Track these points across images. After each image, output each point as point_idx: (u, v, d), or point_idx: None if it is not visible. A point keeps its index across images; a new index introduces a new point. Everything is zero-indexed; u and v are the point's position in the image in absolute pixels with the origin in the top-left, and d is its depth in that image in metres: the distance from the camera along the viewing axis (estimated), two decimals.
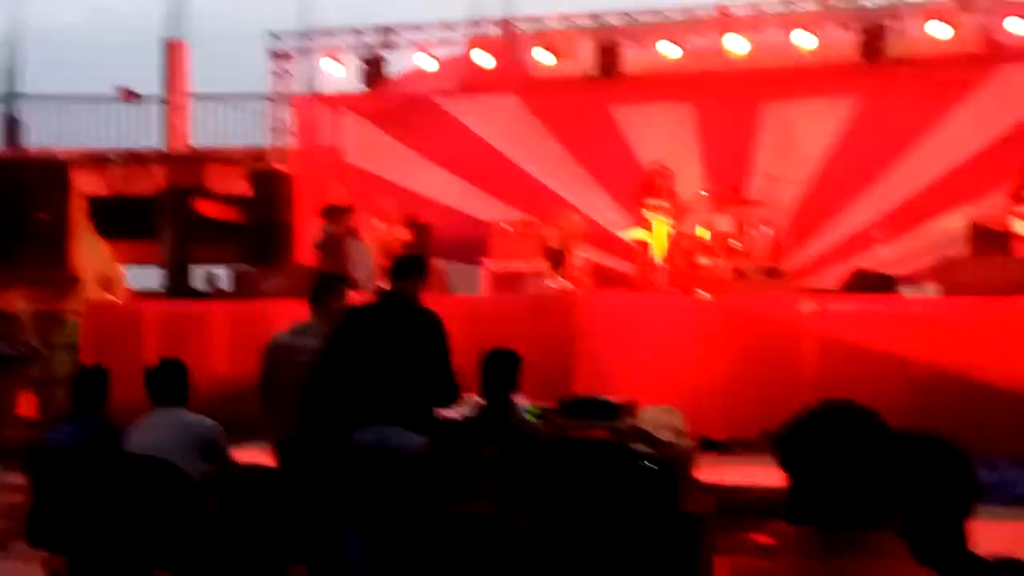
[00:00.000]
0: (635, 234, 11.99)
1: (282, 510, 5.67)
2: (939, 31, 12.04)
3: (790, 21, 12.64)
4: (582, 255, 12.27)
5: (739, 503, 6.35)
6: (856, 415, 1.96)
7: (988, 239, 11.27)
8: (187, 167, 16.18)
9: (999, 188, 11.39)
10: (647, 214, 11.81)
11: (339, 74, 14.26)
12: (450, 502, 2.74)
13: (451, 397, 5.41)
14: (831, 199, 12.76)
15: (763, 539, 5.06)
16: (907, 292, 10.74)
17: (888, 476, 1.93)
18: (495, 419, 4.81)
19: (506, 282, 12.16)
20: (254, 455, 6.65)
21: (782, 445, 1.99)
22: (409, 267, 5.68)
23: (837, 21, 12.57)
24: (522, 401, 6.06)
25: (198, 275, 16.02)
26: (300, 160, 14.45)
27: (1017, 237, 10.95)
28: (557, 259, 11.80)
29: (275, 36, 14.55)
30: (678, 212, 11.84)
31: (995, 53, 12.29)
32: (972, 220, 11.58)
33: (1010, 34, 12.00)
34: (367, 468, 5.09)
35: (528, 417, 5.79)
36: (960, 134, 12.32)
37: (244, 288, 11.74)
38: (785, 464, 1.98)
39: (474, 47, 13.71)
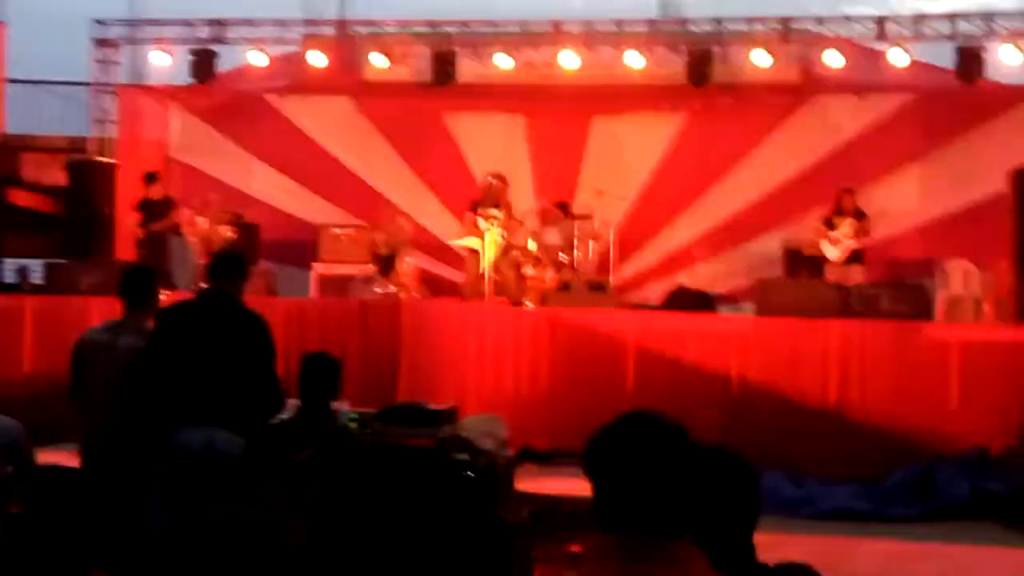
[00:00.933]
0: (465, 242, 12.04)
1: (88, 513, 5.46)
2: (762, 60, 12.51)
3: (621, 40, 12.93)
4: (411, 261, 12.25)
5: (558, 513, 6.43)
6: (659, 426, 2.01)
7: (801, 262, 11.76)
8: (0, 154, 15.44)
9: (812, 213, 11.90)
10: (479, 223, 11.88)
11: (166, 65, 13.86)
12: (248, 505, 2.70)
13: (275, 403, 5.27)
14: (656, 216, 13.08)
15: (575, 548, 5.14)
16: (724, 310, 11.09)
17: (688, 486, 1.98)
18: (312, 424, 4.74)
19: (334, 286, 12.04)
20: (62, 457, 6.39)
21: (588, 454, 2.02)
22: (227, 266, 5.51)
23: (666, 43, 12.91)
24: (344, 407, 6.00)
25: (8, 268, 15.29)
26: (122, 152, 13.97)
27: (828, 261, 11.47)
28: (386, 265, 11.74)
29: (101, 23, 14.07)
30: (509, 223, 11.94)
31: (813, 83, 12.84)
32: (785, 243, 12.07)
33: (827, 66, 12.56)
34: (191, 471, 4.94)
35: (349, 423, 5.73)
36: (777, 159, 12.82)
37: (58, 283, 11.24)
38: (590, 472, 2.01)
39: (308, 47, 13.53)
